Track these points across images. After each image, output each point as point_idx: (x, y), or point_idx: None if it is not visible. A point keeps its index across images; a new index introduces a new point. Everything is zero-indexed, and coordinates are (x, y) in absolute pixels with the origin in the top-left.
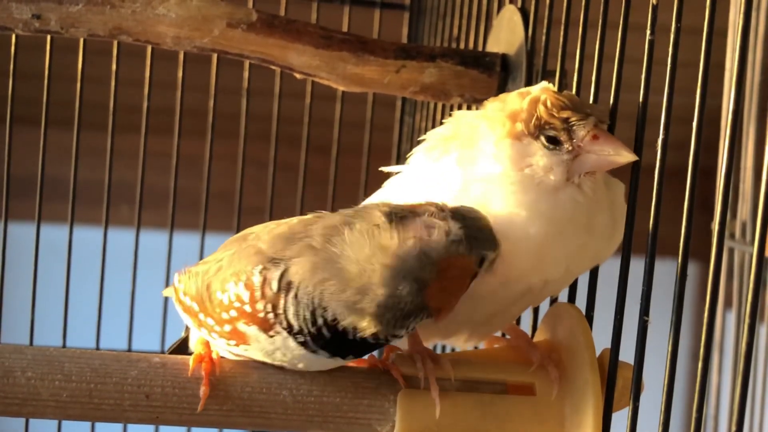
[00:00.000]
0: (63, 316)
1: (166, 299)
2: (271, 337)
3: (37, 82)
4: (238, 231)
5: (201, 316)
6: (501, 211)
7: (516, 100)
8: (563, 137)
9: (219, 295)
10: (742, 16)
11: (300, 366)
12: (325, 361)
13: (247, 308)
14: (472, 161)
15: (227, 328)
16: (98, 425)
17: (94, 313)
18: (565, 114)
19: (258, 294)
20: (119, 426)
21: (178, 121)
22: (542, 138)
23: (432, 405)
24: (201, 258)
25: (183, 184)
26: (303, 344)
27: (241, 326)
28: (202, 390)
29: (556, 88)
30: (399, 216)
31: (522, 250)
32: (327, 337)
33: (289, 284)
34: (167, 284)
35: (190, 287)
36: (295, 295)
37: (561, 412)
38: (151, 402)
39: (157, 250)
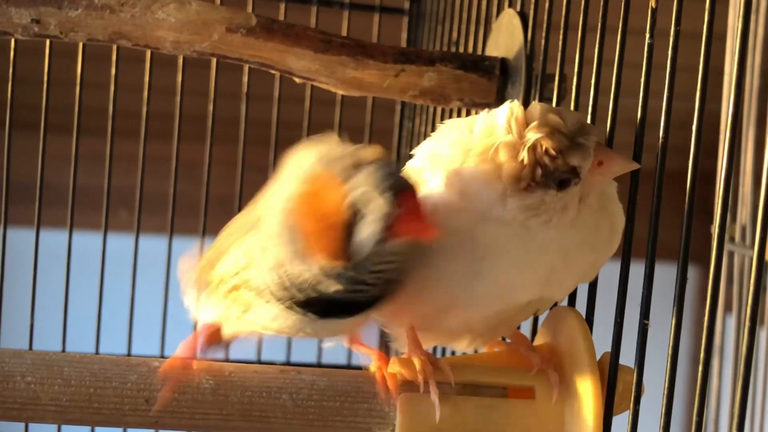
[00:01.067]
0: (62, 321)
1: (166, 304)
2: (267, 302)
3: (37, 87)
4: None
5: (204, 295)
6: (514, 249)
7: (509, 150)
8: (573, 178)
9: (220, 267)
10: (741, 20)
11: (310, 332)
12: (323, 325)
13: (245, 273)
14: (471, 199)
15: (233, 296)
16: (98, 430)
17: (93, 318)
18: (568, 156)
19: (249, 260)
20: (119, 430)
21: (177, 126)
22: (552, 184)
23: (432, 409)
24: None
25: (182, 189)
26: (290, 308)
27: (243, 292)
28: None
29: (534, 106)
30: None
31: (532, 280)
32: (297, 297)
33: (263, 250)
34: (167, 289)
35: (194, 272)
36: (267, 257)
37: (561, 416)
38: (151, 406)
39: (156, 255)
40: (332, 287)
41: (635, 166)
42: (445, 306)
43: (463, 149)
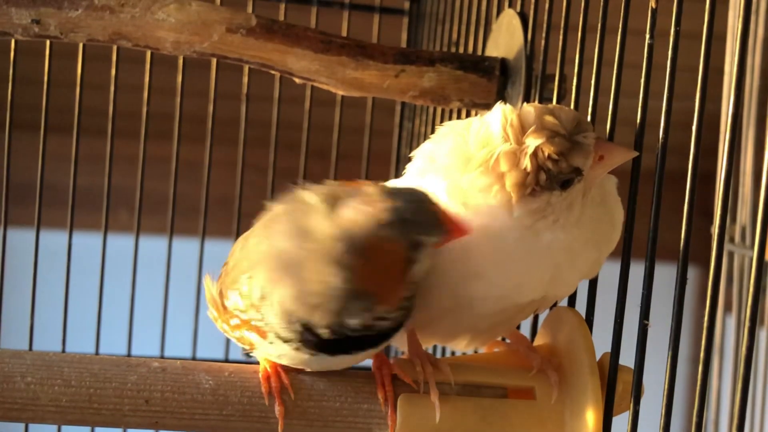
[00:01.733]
0: (62, 321)
1: (166, 304)
2: (271, 344)
3: (37, 87)
4: (237, 237)
5: (219, 323)
6: (519, 252)
7: (510, 159)
8: (576, 177)
9: (225, 302)
10: (741, 20)
11: (315, 367)
12: (332, 361)
13: (244, 316)
14: (474, 210)
15: (237, 334)
16: (98, 430)
17: (93, 319)
18: (570, 157)
19: (248, 302)
20: (119, 431)
21: (177, 126)
22: (556, 186)
23: (432, 409)
24: (200, 264)
25: (182, 189)
26: (298, 350)
27: (246, 333)
28: (278, 410)
29: (531, 109)
30: (333, 197)
31: (538, 281)
32: (312, 340)
33: (264, 292)
34: (167, 290)
35: (209, 296)
36: (271, 302)
37: (561, 417)
38: (150, 407)
39: (156, 256)
40: (355, 326)
41: (634, 154)
42: (447, 309)
43: (462, 159)
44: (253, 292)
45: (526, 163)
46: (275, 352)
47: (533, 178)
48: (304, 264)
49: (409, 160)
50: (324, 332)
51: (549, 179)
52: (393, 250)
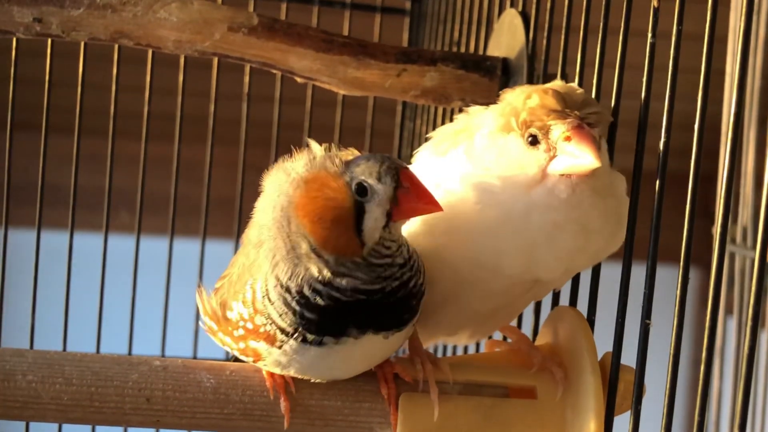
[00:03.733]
0: (63, 322)
1: (167, 305)
2: (280, 348)
3: (38, 88)
4: (238, 237)
5: (220, 335)
6: (476, 202)
7: (520, 96)
8: (541, 136)
9: (229, 314)
10: (743, 19)
11: (324, 371)
12: (339, 352)
13: (249, 325)
14: (472, 153)
15: (242, 345)
16: (99, 429)
17: (94, 319)
18: (550, 115)
19: (252, 310)
20: (120, 429)
21: (178, 127)
22: (526, 136)
23: (433, 408)
24: (201, 264)
25: (183, 190)
26: (305, 341)
27: (252, 343)
28: (283, 406)
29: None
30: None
31: (503, 247)
32: (311, 318)
33: (265, 289)
34: (168, 290)
35: (207, 308)
36: (269, 298)
37: (562, 416)
38: (152, 405)
39: (157, 256)
40: (349, 282)
41: (595, 161)
42: (449, 295)
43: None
44: (256, 295)
45: (521, 99)
46: (285, 358)
47: (517, 112)
48: (277, 225)
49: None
50: (311, 294)
51: (525, 126)
52: (329, 184)
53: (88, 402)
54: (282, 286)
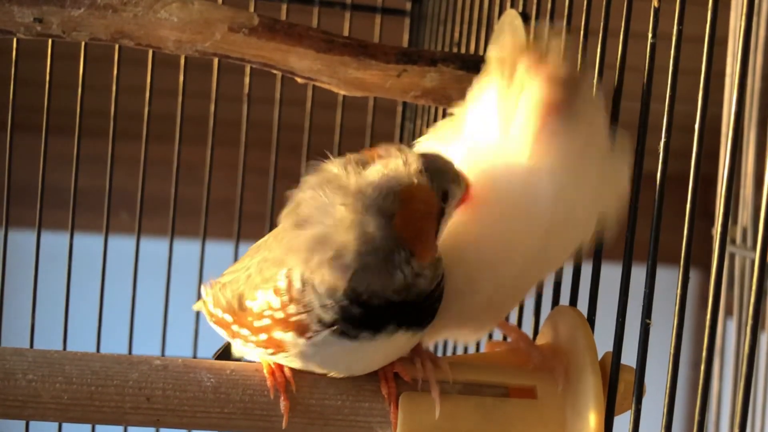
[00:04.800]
0: (63, 323)
1: (167, 306)
2: (310, 338)
3: (38, 89)
4: (238, 238)
5: (235, 327)
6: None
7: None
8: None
9: (250, 303)
10: (743, 22)
11: (344, 366)
12: (368, 348)
13: (280, 314)
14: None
15: (263, 336)
16: (99, 428)
17: (94, 321)
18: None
19: (286, 298)
20: (120, 429)
21: (178, 128)
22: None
23: (433, 407)
24: (201, 265)
25: (183, 191)
26: (343, 334)
27: (277, 334)
28: (283, 405)
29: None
30: (355, 161)
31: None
32: (356, 313)
33: (304, 279)
34: (168, 292)
35: (220, 299)
36: (313, 287)
37: (562, 416)
38: (152, 404)
39: (157, 258)
40: (423, 283)
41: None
42: (462, 283)
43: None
44: (294, 284)
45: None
46: (312, 349)
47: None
48: (338, 229)
49: None
50: (367, 297)
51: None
52: (427, 197)
53: (88, 401)
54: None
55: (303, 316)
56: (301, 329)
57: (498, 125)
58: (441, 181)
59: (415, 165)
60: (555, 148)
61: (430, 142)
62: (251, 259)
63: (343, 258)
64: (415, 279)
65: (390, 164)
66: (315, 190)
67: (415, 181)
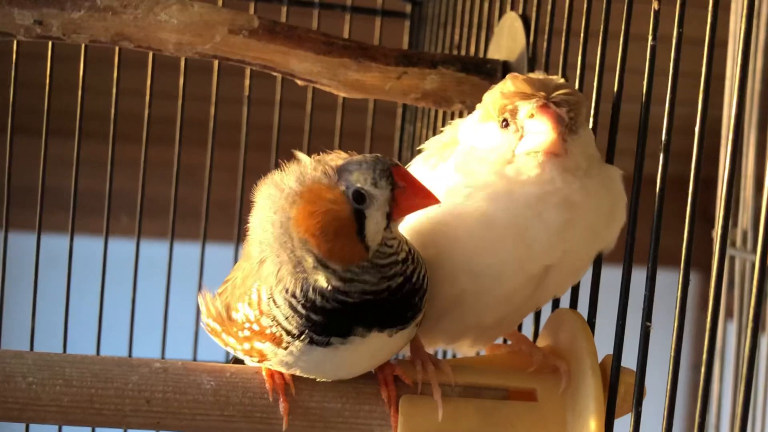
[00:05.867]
0: (63, 325)
1: (167, 309)
2: (286, 348)
3: (38, 91)
4: (238, 241)
5: (224, 336)
6: (465, 198)
7: (497, 86)
8: (510, 118)
9: (235, 315)
10: (743, 24)
11: (329, 370)
12: (344, 352)
13: (256, 327)
14: (459, 161)
15: (246, 346)
16: (99, 430)
17: (94, 323)
18: (519, 97)
19: (257, 312)
20: (120, 431)
21: (178, 130)
22: (499, 120)
23: (433, 410)
24: (201, 268)
25: (183, 193)
26: (313, 342)
27: (257, 344)
28: (282, 407)
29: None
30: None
31: (496, 236)
32: (319, 321)
33: (270, 293)
34: (168, 294)
35: (211, 309)
36: (275, 301)
37: (563, 418)
38: (152, 407)
39: (157, 260)
40: (358, 286)
41: (554, 139)
42: (453, 297)
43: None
44: (261, 297)
45: (497, 89)
46: (290, 358)
47: (494, 102)
48: (273, 239)
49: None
50: (318, 299)
51: (500, 112)
52: (328, 196)
53: (88, 404)
54: (287, 291)
55: (274, 329)
56: (276, 340)
57: (496, 160)
58: (354, 181)
59: (324, 167)
60: (560, 182)
61: (419, 164)
62: (240, 270)
63: (281, 272)
64: (345, 283)
65: (305, 167)
66: (262, 200)
67: (315, 181)
